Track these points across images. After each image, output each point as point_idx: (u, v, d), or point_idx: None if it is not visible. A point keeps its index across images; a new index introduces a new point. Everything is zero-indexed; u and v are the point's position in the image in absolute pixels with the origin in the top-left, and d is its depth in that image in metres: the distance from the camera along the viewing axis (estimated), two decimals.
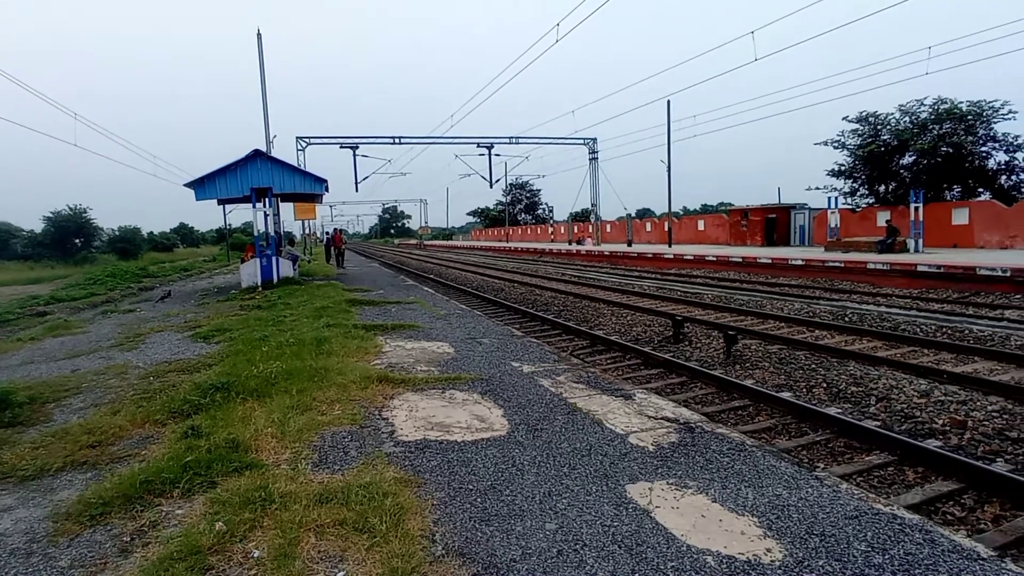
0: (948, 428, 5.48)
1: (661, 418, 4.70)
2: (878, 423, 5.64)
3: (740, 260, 22.80)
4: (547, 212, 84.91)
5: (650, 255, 28.66)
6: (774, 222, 32.24)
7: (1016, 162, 26.08)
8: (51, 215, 56.87)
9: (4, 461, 4.04)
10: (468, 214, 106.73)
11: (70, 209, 57.66)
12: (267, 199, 17.30)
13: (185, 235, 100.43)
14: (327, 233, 34.80)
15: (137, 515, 3.19)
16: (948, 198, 26.96)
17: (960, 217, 23.73)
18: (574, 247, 41.21)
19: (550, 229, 62.53)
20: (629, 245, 37.63)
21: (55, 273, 40.11)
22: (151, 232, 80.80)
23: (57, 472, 3.89)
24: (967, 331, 9.48)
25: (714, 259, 24.19)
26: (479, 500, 3.30)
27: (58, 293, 20.60)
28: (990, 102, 25.71)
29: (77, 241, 57.95)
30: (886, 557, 2.65)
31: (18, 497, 3.55)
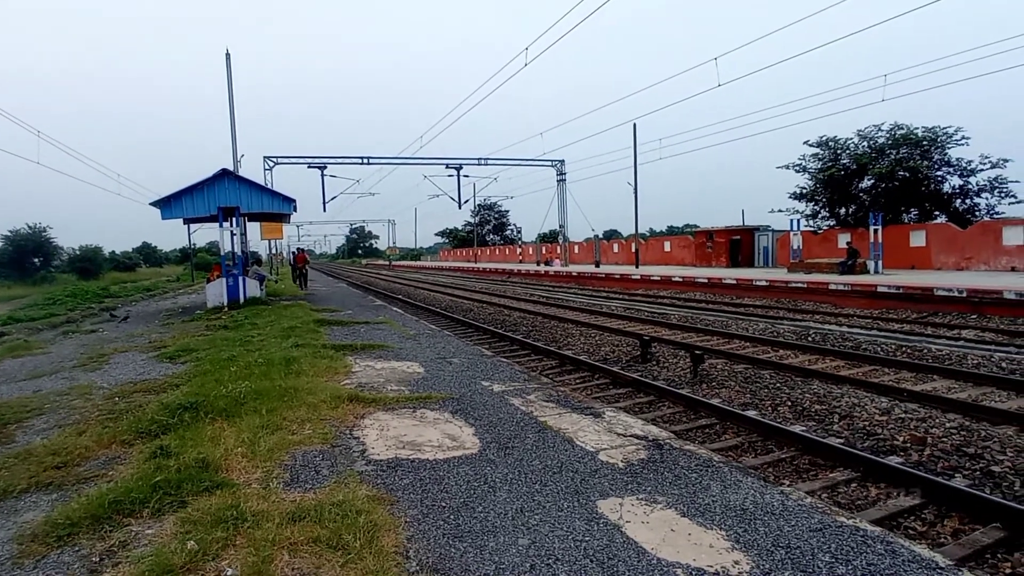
0: (909, 445, 5.65)
1: (630, 435, 4.79)
2: (841, 440, 5.79)
3: (706, 281, 23.28)
4: (515, 233, 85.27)
5: (617, 276, 29.05)
6: (738, 243, 33.01)
7: (969, 186, 27.10)
8: (9, 234, 55.13)
9: None
10: (436, 234, 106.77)
11: (29, 228, 56.01)
12: (234, 218, 17.13)
13: (148, 255, 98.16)
14: (293, 253, 34.37)
15: (106, 535, 3.15)
16: (906, 221, 27.89)
17: (918, 239, 24.59)
18: (542, 268, 41.48)
19: (518, 250, 62.86)
20: (597, 266, 38.09)
21: (12, 293, 38.79)
22: (113, 251, 78.74)
23: (21, 493, 3.81)
24: (926, 350, 9.82)
25: (680, 280, 24.62)
26: (452, 517, 3.33)
27: (16, 313, 19.93)
28: (944, 128, 26.79)
29: (36, 260, 56.18)
30: (849, 568, 2.75)
31: None
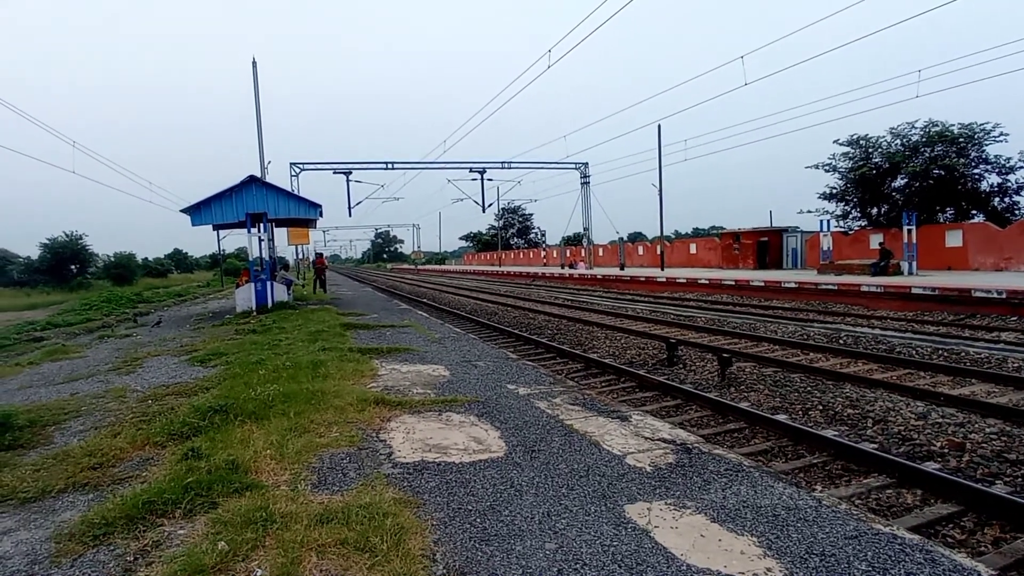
0: (946, 450, 5.49)
1: (658, 439, 4.74)
2: (875, 446, 5.65)
3: (733, 283, 22.96)
4: (539, 236, 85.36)
5: (643, 278, 28.81)
6: (766, 245, 32.51)
7: (1009, 184, 26.16)
8: (47, 242, 56.82)
9: (5, 484, 4.05)
10: (461, 238, 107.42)
11: (66, 236, 57.65)
12: (262, 224, 17.41)
13: (179, 261, 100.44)
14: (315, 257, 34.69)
15: (140, 535, 3.21)
16: (941, 220, 27.14)
17: (954, 239, 23.85)
18: (567, 271, 41.37)
19: (543, 253, 62.82)
20: (622, 269, 37.84)
21: (51, 299, 39.96)
22: (145, 258, 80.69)
23: (59, 494, 3.91)
24: (963, 353, 9.53)
25: (707, 282, 24.33)
26: (479, 520, 3.32)
27: (54, 319, 20.58)
28: (981, 124, 25.90)
29: (73, 267, 57.77)
30: None
31: (19, 519, 3.56)
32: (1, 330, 17.90)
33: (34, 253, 58.95)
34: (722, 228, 42.66)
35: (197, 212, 16.36)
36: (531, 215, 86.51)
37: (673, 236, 71.86)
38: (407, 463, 4.26)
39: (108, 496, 3.75)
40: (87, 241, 59.35)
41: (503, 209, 75.16)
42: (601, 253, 51.17)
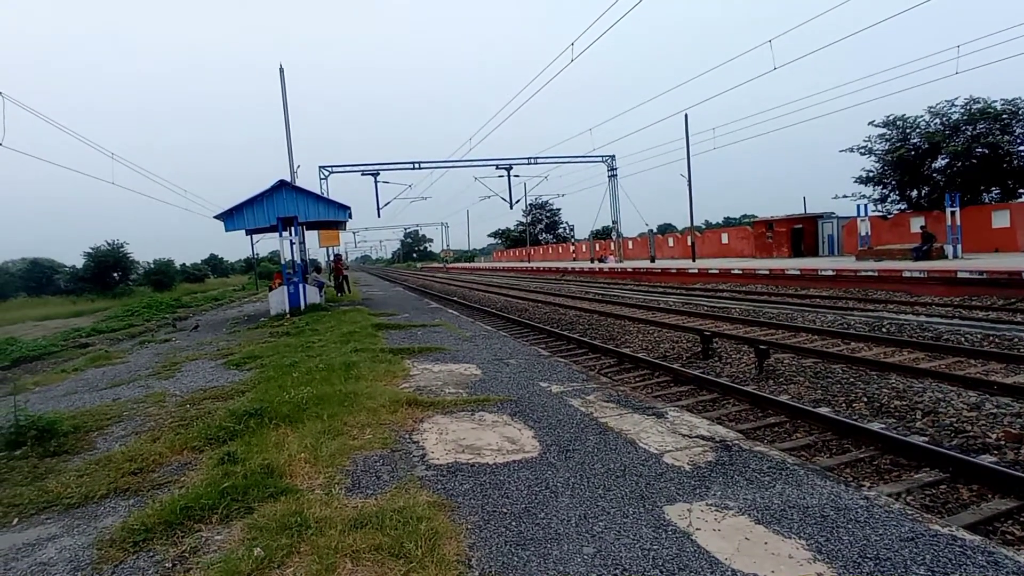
0: (1003, 442, 5.24)
1: (696, 436, 4.61)
2: (926, 439, 5.42)
3: (767, 272, 22.47)
4: (568, 231, 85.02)
5: (674, 270, 28.42)
6: (801, 232, 31.76)
7: None
8: (91, 251, 58.62)
9: (50, 490, 4.15)
10: (489, 235, 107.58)
11: (108, 244, 59.41)
12: (293, 227, 17.64)
13: (215, 266, 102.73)
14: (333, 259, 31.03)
15: (178, 541, 3.24)
16: (986, 201, 26.21)
17: (1001, 220, 22.93)
18: (596, 265, 41.11)
19: (572, 248, 62.56)
20: (652, 261, 37.44)
21: (95, 306, 41.23)
22: (183, 264, 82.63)
23: (101, 499, 3.99)
24: (1016, 339, 9.11)
25: (740, 272, 23.88)
26: (514, 524, 3.26)
27: (99, 325, 21.22)
28: None
29: (115, 275, 59.48)
30: None
31: (63, 525, 3.63)
32: (50, 337, 18.52)
33: (78, 262, 60.92)
34: (754, 217, 41.86)
35: (230, 218, 16.66)
36: (559, 210, 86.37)
37: (704, 226, 70.74)
38: (440, 465, 4.22)
39: (148, 502, 3.81)
40: (128, 249, 61.12)
41: (531, 205, 75.08)
42: (631, 246, 50.70)
